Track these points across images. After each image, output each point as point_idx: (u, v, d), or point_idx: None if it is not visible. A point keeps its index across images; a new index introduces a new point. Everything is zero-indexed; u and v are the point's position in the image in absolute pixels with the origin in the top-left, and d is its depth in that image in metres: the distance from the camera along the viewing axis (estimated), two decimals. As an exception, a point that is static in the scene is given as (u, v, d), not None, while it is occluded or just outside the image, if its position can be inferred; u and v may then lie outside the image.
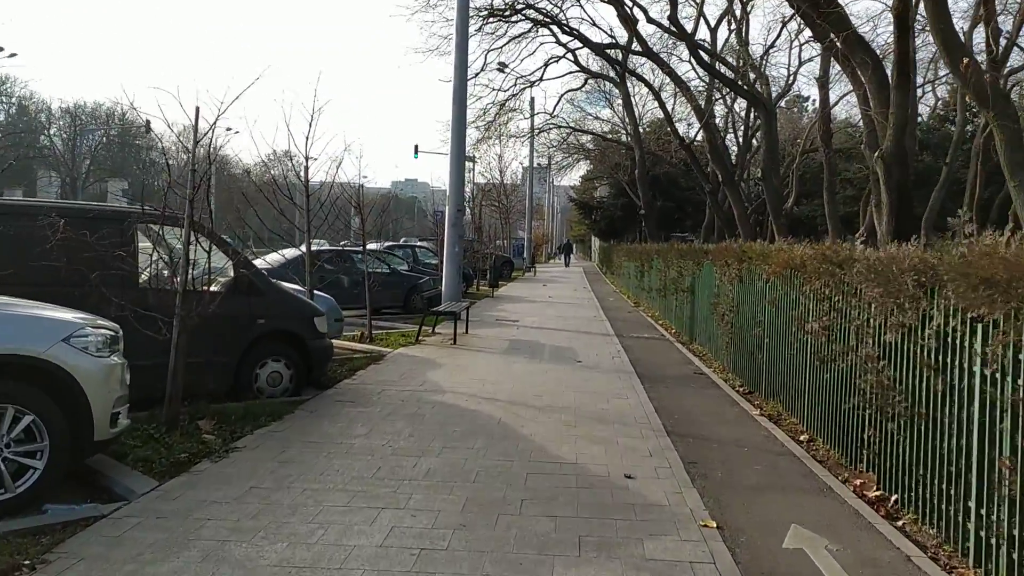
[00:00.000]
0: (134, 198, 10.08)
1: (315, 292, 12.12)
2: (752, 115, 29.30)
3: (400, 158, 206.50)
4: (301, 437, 6.53)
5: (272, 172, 14.15)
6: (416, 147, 58.01)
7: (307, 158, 9.80)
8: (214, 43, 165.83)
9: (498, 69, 32.09)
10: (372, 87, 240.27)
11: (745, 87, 20.80)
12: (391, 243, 26.85)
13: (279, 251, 19.88)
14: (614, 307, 21.84)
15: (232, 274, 8.03)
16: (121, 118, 58.63)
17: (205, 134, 6.88)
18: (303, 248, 18.48)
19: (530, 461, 5.97)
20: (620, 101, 44.61)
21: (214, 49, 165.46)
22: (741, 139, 30.15)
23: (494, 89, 28.15)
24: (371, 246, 27.76)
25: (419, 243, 31.98)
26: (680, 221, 48.93)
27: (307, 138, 9.99)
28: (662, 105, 25.89)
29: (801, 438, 6.92)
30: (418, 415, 7.48)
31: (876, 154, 12.06)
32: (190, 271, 6.48)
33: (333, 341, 12.54)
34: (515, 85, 27.76)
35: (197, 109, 6.76)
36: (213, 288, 7.19)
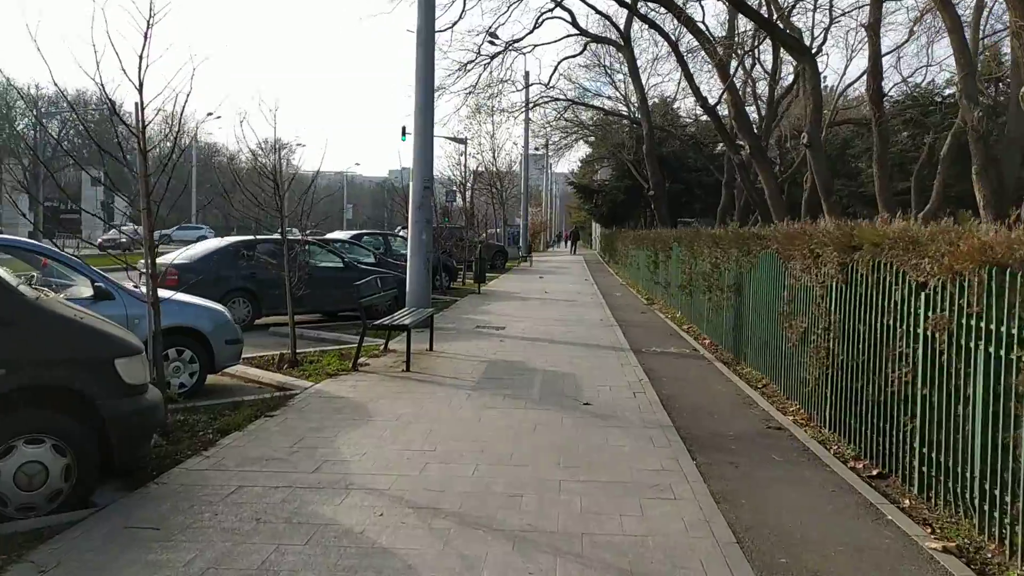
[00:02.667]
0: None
1: (202, 303, 8.42)
2: (777, 74, 25.46)
3: (399, 147, 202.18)
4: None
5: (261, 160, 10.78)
6: (404, 129, 54.01)
7: (140, 88, 6.04)
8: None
9: (488, 40, 28.29)
10: (366, 71, 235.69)
11: (787, 30, 16.96)
12: (361, 231, 23.05)
13: (209, 240, 16.17)
14: (623, 305, 18.08)
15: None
16: (84, 105, 54.62)
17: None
18: (235, 238, 14.70)
19: None
20: (621, 76, 40.82)
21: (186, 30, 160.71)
22: (764, 106, 26.24)
23: (477, 53, 24.29)
24: (335, 234, 24.05)
25: (402, 231, 28.16)
26: (688, 205, 45.04)
27: (140, 59, 6.17)
28: (680, 58, 22.00)
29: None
30: (268, 570, 3.74)
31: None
32: None
33: (234, 368, 8.88)
34: (502, 48, 23.91)
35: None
36: None
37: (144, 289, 6.69)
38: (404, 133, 51.31)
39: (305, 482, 4.98)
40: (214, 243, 14.59)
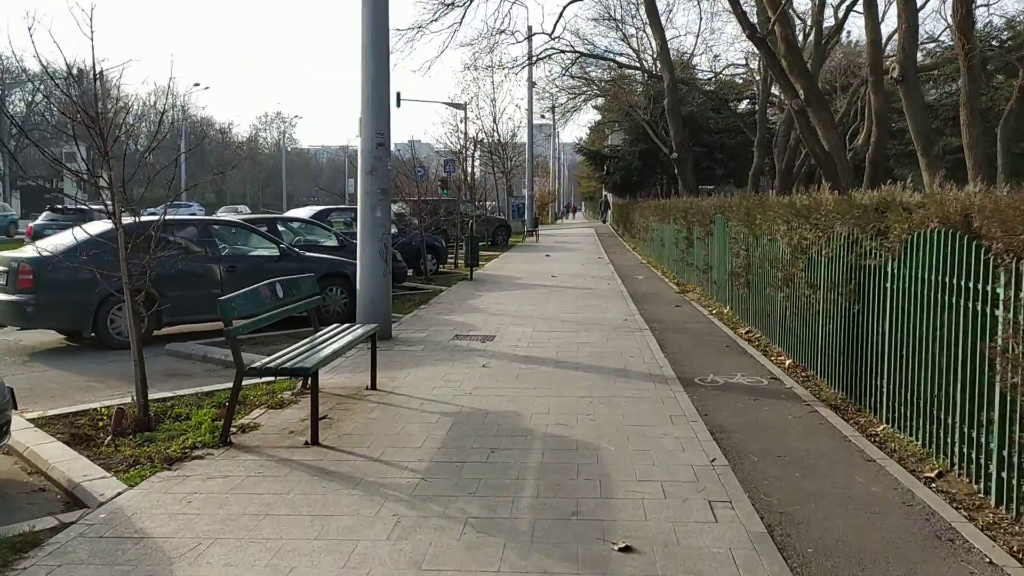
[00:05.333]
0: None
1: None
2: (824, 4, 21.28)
3: (407, 123, 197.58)
4: None
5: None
6: (399, 95, 49.89)
7: None
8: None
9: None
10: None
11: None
12: (329, 207, 19.26)
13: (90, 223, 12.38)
14: (650, 295, 14.32)
15: None
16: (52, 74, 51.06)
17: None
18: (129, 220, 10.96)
19: None
20: (633, 31, 36.59)
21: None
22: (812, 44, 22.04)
23: None
24: (294, 212, 20.27)
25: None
26: (709, 170, 40.95)
27: None
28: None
29: None
30: None
31: None
32: None
33: (25, 442, 5.24)
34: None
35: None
36: None
37: None
38: (399, 100, 47.59)
39: None
40: (94, 227, 10.89)
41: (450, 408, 6.26)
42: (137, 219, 6.51)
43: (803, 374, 7.47)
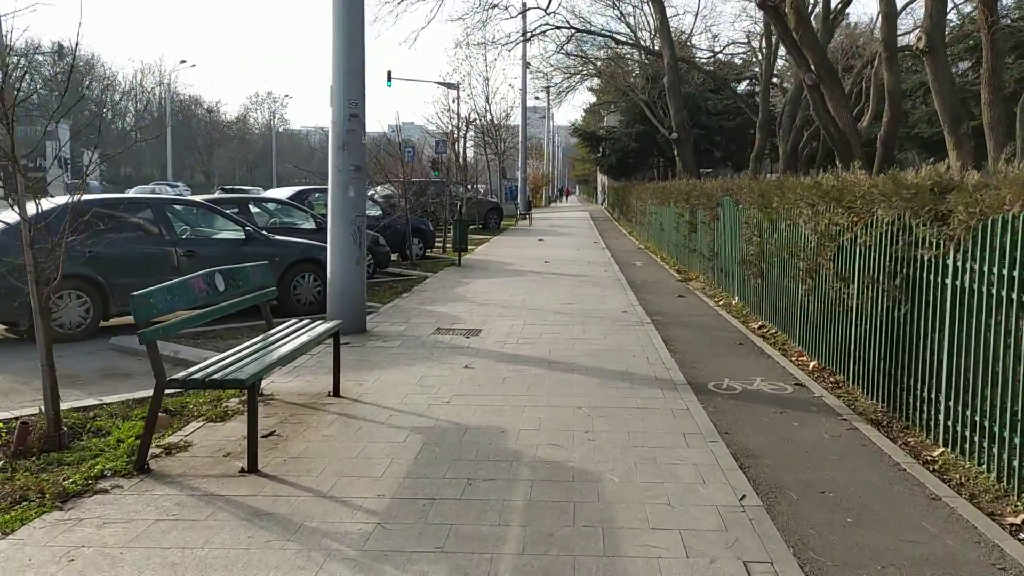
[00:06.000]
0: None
1: None
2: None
3: (397, 104, 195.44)
4: None
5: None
6: (389, 73, 48.48)
7: None
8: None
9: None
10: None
11: None
12: (309, 187, 18.15)
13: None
14: (650, 283, 13.36)
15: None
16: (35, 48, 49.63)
17: None
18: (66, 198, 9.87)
19: None
20: (631, 8, 35.38)
21: None
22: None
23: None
24: (272, 192, 19.17)
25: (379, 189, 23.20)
26: (708, 153, 39.94)
27: None
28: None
29: None
30: None
31: None
32: None
33: None
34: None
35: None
36: None
37: None
38: (389, 78, 46.33)
39: None
40: (46, 203, 9.84)
41: (423, 422, 5.29)
42: (38, 203, 5.50)
43: (831, 379, 6.52)
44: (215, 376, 4.34)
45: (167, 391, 4.58)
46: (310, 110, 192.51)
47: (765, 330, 8.75)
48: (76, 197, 5.29)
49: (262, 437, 4.89)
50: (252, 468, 4.35)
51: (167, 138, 67.90)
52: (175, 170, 71.83)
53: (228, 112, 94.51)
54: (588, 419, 5.36)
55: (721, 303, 10.87)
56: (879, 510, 3.87)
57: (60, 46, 58.66)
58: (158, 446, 4.76)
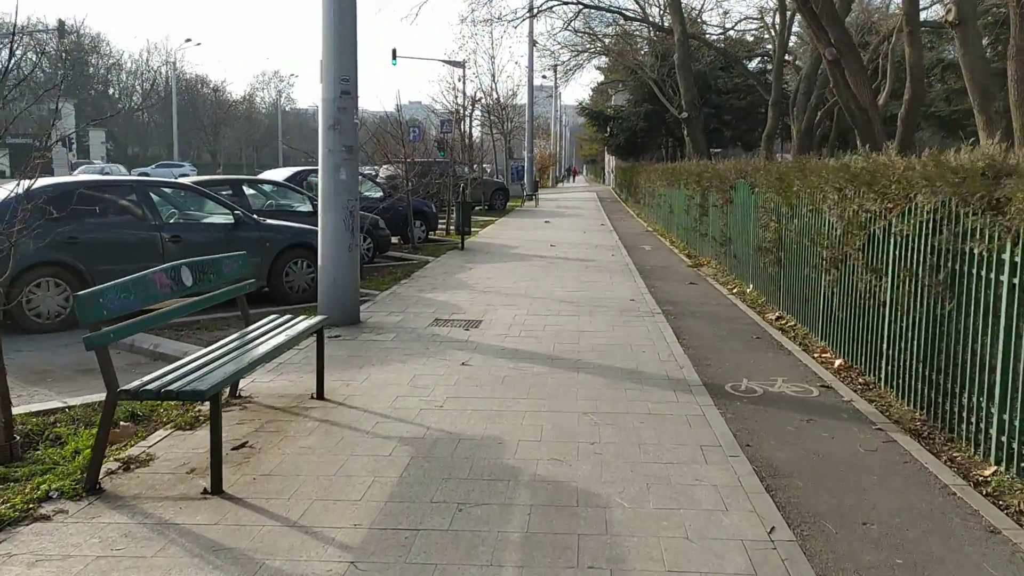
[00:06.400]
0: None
1: None
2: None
3: (403, 83, 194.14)
4: None
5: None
6: (394, 51, 47.71)
7: None
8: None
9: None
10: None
11: None
12: (307, 168, 17.58)
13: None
14: (660, 268, 12.80)
15: None
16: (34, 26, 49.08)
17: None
18: (50, 180, 9.55)
19: None
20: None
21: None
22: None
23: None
24: (268, 174, 18.60)
25: (381, 169, 22.57)
26: (717, 132, 39.10)
27: None
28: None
29: None
30: None
31: None
32: None
33: None
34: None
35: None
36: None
37: None
38: (394, 56, 45.59)
39: None
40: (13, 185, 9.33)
41: (412, 431, 4.79)
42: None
43: (860, 380, 5.98)
44: (171, 387, 3.82)
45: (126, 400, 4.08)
46: (317, 89, 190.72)
47: (783, 322, 8.20)
48: (30, 183, 4.75)
49: (233, 449, 4.41)
50: (216, 489, 3.85)
51: (173, 117, 67.22)
52: (181, 149, 71.24)
53: (234, 92, 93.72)
54: (594, 428, 4.85)
55: (735, 291, 10.32)
56: (933, 548, 3.35)
57: (62, 23, 57.99)
58: (117, 459, 4.28)
